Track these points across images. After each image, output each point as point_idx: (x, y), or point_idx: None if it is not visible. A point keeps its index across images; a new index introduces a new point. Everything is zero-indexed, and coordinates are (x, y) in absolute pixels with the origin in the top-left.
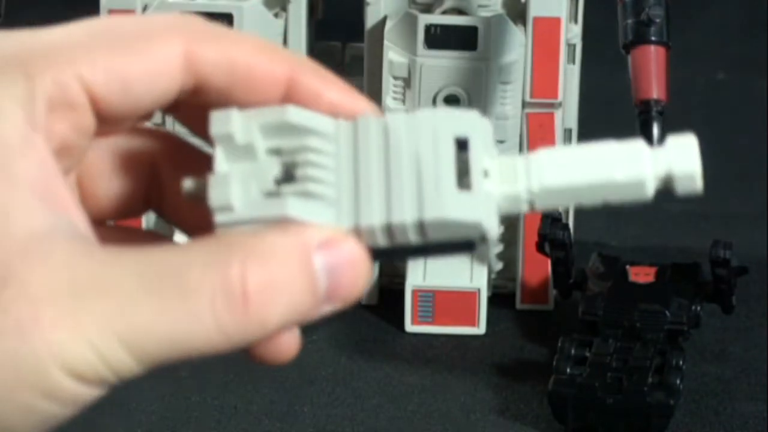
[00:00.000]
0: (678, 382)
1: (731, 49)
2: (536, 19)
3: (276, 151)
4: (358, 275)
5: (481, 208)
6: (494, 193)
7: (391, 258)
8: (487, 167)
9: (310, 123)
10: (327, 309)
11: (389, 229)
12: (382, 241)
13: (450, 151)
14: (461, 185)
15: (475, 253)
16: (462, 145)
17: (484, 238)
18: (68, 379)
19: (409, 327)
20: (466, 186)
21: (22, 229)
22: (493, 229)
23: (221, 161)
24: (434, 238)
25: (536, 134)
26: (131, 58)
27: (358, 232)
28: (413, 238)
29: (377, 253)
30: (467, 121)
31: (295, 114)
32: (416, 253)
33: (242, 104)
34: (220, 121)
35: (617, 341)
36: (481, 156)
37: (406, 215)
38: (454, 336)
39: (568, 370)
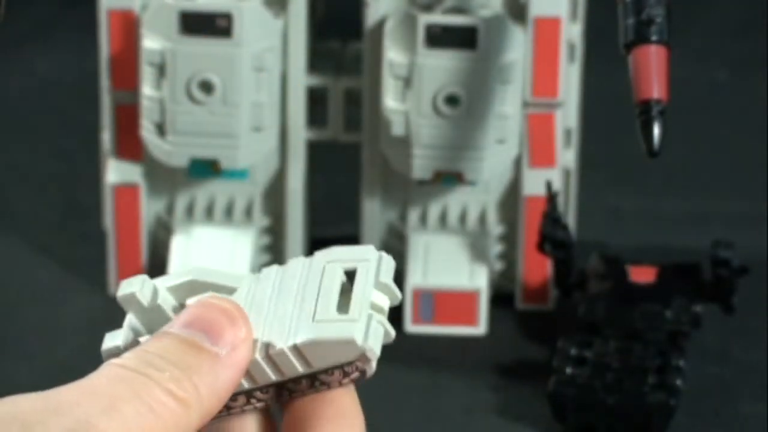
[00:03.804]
0: (678, 382)
1: (731, 49)
2: (536, 19)
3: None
4: None
5: (357, 328)
6: (377, 317)
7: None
8: (375, 299)
9: (214, 280)
10: None
11: (271, 359)
12: (271, 374)
13: (336, 284)
14: (341, 311)
15: (365, 374)
16: (351, 277)
17: (365, 358)
18: None
19: (409, 327)
20: (344, 311)
21: None
22: (372, 349)
23: (129, 320)
24: (321, 365)
25: (536, 134)
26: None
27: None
28: (298, 366)
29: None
30: (360, 253)
31: (199, 274)
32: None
33: None
34: (126, 285)
35: (618, 341)
36: (366, 286)
37: (281, 342)
38: (454, 336)
39: (569, 370)
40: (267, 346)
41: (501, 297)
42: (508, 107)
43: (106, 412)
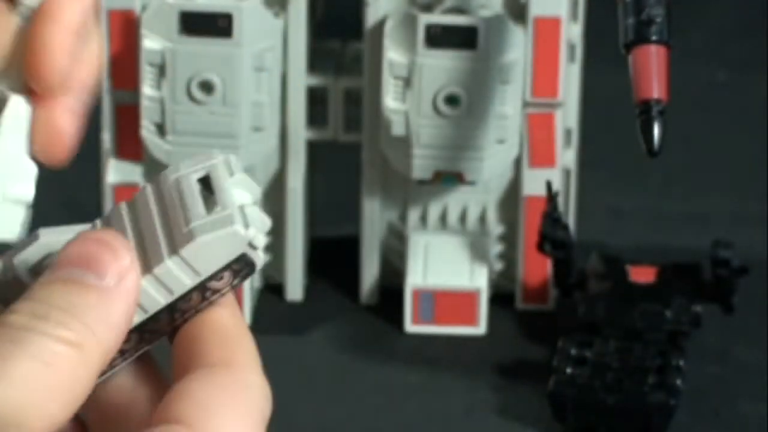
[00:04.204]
0: (678, 382)
1: (731, 49)
2: (536, 19)
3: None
4: None
5: (236, 219)
6: (248, 207)
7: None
8: (237, 196)
9: (63, 236)
10: None
11: (157, 279)
12: (160, 297)
13: (195, 191)
14: (210, 211)
15: (254, 266)
16: (206, 183)
17: (252, 245)
18: None
19: (409, 327)
20: (215, 210)
21: None
22: (256, 236)
23: None
24: (209, 270)
25: (536, 134)
26: None
27: None
28: (186, 279)
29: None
30: (205, 160)
31: (45, 235)
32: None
33: None
34: None
35: (618, 341)
36: (225, 183)
37: (163, 258)
38: (454, 336)
39: (569, 370)
40: (150, 269)
41: (501, 297)
42: (508, 107)
43: None
